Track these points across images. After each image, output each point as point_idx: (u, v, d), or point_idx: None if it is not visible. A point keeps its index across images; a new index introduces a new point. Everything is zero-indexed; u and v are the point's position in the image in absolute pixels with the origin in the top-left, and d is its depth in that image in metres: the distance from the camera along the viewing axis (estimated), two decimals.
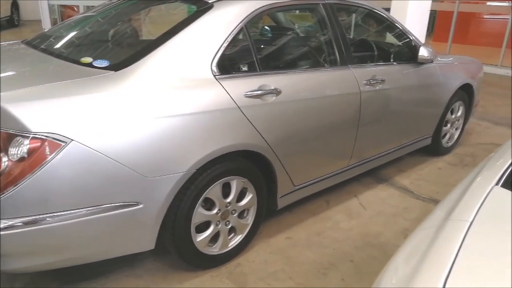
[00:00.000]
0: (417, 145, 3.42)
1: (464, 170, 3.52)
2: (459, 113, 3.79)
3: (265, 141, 2.08)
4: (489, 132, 4.59)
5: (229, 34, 2.01)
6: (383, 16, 2.96)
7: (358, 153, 2.78)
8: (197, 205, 1.93)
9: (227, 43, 1.99)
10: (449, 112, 3.59)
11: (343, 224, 2.62)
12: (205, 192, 1.94)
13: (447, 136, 3.78)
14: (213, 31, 1.98)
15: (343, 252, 2.33)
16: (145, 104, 1.71)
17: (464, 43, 9.53)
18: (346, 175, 2.81)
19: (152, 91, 1.74)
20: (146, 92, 1.73)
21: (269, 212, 2.38)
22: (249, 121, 1.99)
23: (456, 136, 3.91)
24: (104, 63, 1.81)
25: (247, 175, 2.11)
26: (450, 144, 3.86)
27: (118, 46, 2.16)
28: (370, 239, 2.47)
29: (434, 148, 3.66)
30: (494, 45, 8.66)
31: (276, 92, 2.10)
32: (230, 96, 1.93)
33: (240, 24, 2.05)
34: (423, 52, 2.98)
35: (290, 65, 2.33)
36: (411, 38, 3.07)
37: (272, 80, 2.11)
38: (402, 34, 3.06)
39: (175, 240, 1.93)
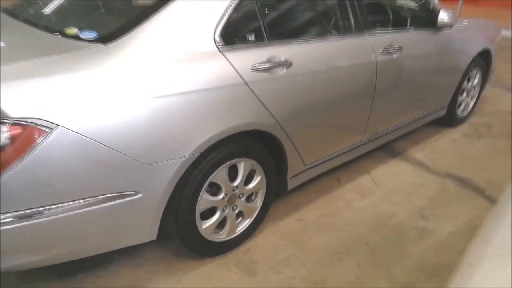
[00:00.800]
0: (432, 117, 3.23)
1: (479, 142, 3.35)
2: (475, 81, 3.58)
3: (275, 119, 1.89)
4: (503, 100, 4.38)
5: (232, 1, 1.77)
6: None
7: (372, 127, 2.59)
8: (202, 191, 1.77)
9: (232, 8, 1.76)
10: (465, 80, 3.37)
11: (355, 204, 2.47)
12: (210, 177, 1.77)
13: (462, 106, 3.58)
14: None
15: (357, 234, 2.19)
16: (140, 82, 1.51)
17: (475, 5, 9.11)
18: (359, 151, 2.63)
19: (147, 67, 1.53)
20: (141, 68, 1.52)
21: (277, 193, 2.22)
22: (257, 98, 1.79)
23: (471, 105, 3.71)
24: (92, 35, 1.59)
25: (255, 156, 1.93)
26: (464, 114, 3.67)
27: (107, 13, 1.92)
28: (385, 220, 2.32)
29: (449, 119, 3.47)
30: (505, 7, 8.28)
31: (287, 64, 1.88)
32: (236, 70, 1.72)
33: None
34: (443, 16, 2.73)
35: (301, 33, 2.10)
36: (430, 0, 2.81)
37: (282, 51, 1.90)
38: None
39: (178, 229, 1.78)
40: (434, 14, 2.76)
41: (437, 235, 2.20)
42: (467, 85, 3.47)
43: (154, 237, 1.72)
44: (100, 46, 1.54)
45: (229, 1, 1.75)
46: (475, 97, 3.72)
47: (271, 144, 2.01)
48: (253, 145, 1.92)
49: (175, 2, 1.65)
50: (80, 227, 1.52)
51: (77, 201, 1.46)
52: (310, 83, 2.02)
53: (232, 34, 1.77)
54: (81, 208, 1.47)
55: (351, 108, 2.36)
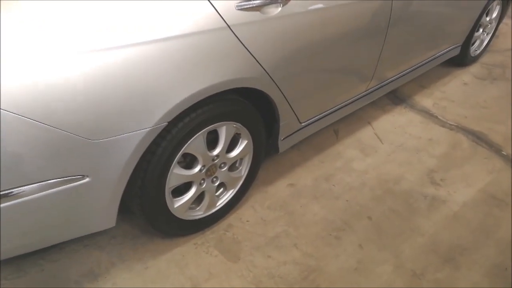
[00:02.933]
0: (445, 57, 2.81)
1: (493, 86, 2.97)
2: (494, 14, 3.10)
3: (266, 72, 1.47)
4: None
5: None
6: None
7: (380, 73, 2.18)
8: (172, 165, 1.39)
9: None
10: (484, 14, 2.90)
11: (356, 164, 2.14)
12: (183, 148, 1.39)
13: (476, 43, 3.14)
14: None
15: (358, 205, 1.89)
16: (83, 31, 1.05)
17: None
18: (363, 101, 2.24)
19: (92, 8, 1.07)
20: (83, 10, 1.06)
21: (267, 153, 1.86)
22: (244, 47, 1.35)
23: (485, 43, 3.27)
24: None
25: (240, 118, 1.54)
26: (478, 52, 3.25)
27: None
28: (390, 185, 2.01)
29: (460, 58, 3.06)
30: None
31: None
32: (216, 10, 1.25)
33: None
34: None
35: None
36: None
37: None
38: None
39: (144, 210, 1.44)
40: None
41: (450, 205, 1.91)
42: (485, 19, 3.01)
43: (113, 224, 1.37)
44: None
45: None
46: (491, 33, 3.27)
47: (259, 101, 1.61)
48: (238, 105, 1.51)
49: None
50: (24, 218, 1.16)
51: (17, 189, 1.08)
52: (311, 23, 1.57)
53: None
54: (22, 197, 1.10)
55: (359, 50, 1.92)
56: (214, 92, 1.34)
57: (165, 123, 1.25)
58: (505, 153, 2.27)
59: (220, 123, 1.47)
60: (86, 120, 1.09)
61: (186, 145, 1.39)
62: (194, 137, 1.40)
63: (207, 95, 1.32)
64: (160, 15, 1.15)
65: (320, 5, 1.58)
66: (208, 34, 1.25)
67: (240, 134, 1.60)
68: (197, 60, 1.25)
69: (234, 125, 1.53)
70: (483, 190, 2.01)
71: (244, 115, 1.55)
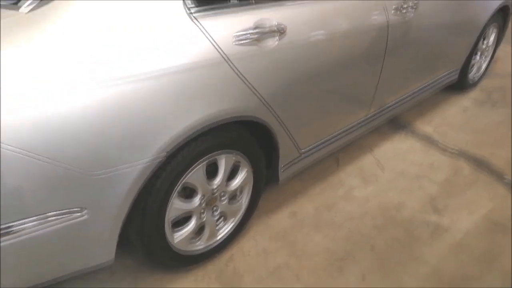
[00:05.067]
0: (444, 83, 2.83)
1: (493, 111, 2.98)
2: (491, 40, 3.16)
3: (265, 102, 1.49)
4: None
5: None
6: None
7: (379, 100, 2.20)
8: (172, 197, 1.39)
9: None
10: (481, 40, 2.95)
11: (357, 192, 2.13)
12: (182, 179, 1.39)
13: (475, 68, 3.18)
14: None
15: (360, 234, 1.87)
16: (80, 66, 1.07)
17: None
18: (364, 129, 2.25)
19: (89, 44, 1.09)
20: (81, 45, 1.08)
21: (267, 182, 1.86)
22: (242, 79, 1.37)
23: (484, 67, 3.31)
24: None
25: (240, 147, 1.55)
26: (476, 77, 3.28)
27: None
28: (392, 213, 1.99)
29: (459, 83, 3.08)
30: None
31: (280, 31, 1.45)
32: (214, 43, 1.28)
33: None
34: None
35: None
36: None
37: (273, 13, 1.45)
38: None
39: (144, 243, 1.43)
40: None
41: (453, 233, 1.88)
42: (482, 44, 3.06)
43: (111, 258, 1.36)
44: (20, 12, 1.08)
45: None
46: (489, 58, 3.31)
47: (259, 130, 1.62)
48: (237, 135, 1.52)
49: None
50: (21, 253, 1.15)
51: (16, 225, 1.08)
52: (308, 53, 1.59)
53: None
54: (20, 232, 1.10)
55: (357, 77, 1.95)
56: (213, 123, 1.35)
57: (164, 155, 1.25)
58: (507, 179, 2.26)
59: (220, 153, 1.48)
60: (85, 154, 1.10)
61: (185, 177, 1.39)
62: (194, 168, 1.40)
63: (206, 126, 1.33)
64: (158, 50, 1.18)
65: (316, 37, 1.61)
66: (206, 67, 1.28)
67: (239, 164, 1.61)
68: (195, 92, 1.27)
69: (234, 155, 1.54)
70: (486, 216, 1.99)
71: (243, 144, 1.56)
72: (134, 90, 1.14)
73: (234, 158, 1.55)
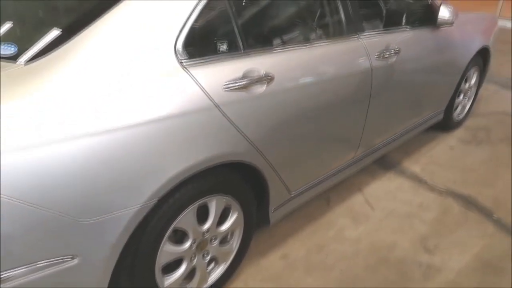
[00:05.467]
0: (429, 123, 2.92)
1: (479, 149, 3.06)
2: (473, 81, 3.28)
3: (254, 146, 1.53)
4: (498, 98, 4.13)
5: (198, 2, 1.38)
6: None
7: (367, 141, 2.25)
8: (163, 241, 1.39)
9: (198, 11, 1.37)
10: (463, 81, 3.07)
11: (348, 232, 2.14)
12: (173, 224, 1.40)
13: (459, 108, 3.28)
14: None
15: (352, 275, 1.86)
16: (73, 114, 1.11)
17: None
18: (353, 169, 2.29)
19: (83, 94, 1.13)
20: (74, 96, 1.12)
21: (258, 224, 1.87)
22: (232, 123, 1.42)
23: (467, 107, 3.42)
24: (10, 49, 1.18)
25: (230, 190, 1.57)
26: (461, 116, 3.38)
27: (35, 18, 1.50)
28: (384, 253, 2.00)
29: (444, 123, 3.17)
30: None
31: (268, 79, 1.51)
32: (204, 91, 1.34)
33: None
34: (444, 13, 2.39)
35: (285, 39, 1.72)
36: None
37: (261, 62, 1.52)
38: None
39: None
40: (433, 9, 2.42)
41: (445, 273, 1.89)
42: (464, 86, 3.18)
43: None
44: (19, 65, 1.13)
45: (194, 2, 1.36)
46: (472, 98, 3.43)
47: (248, 173, 1.65)
48: (228, 178, 1.55)
49: (121, 4, 1.25)
50: None
51: (5, 273, 1.07)
52: (295, 98, 1.66)
53: (199, 44, 1.38)
54: (9, 282, 1.09)
55: (343, 122, 2.01)
56: (204, 168, 1.38)
57: (156, 200, 1.27)
58: (496, 218, 2.29)
59: (211, 196, 1.50)
60: (75, 200, 1.12)
61: (176, 221, 1.40)
62: (185, 212, 1.42)
63: (195, 171, 1.36)
64: (150, 98, 1.22)
65: (303, 82, 1.68)
66: (197, 114, 1.32)
67: (230, 206, 1.62)
68: (186, 138, 1.30)
69: (224, 198, 1.56)
70: (477, 255, 2.00)
71: (234, 187, 1.58)
72: (125, 137, 1.17)
73: (225, 201, 1.57)
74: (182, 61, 1.31)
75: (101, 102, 1.14)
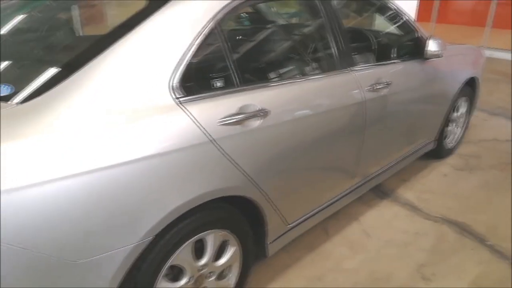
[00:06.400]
0: (422, 151, 2.97)
1: (471, 176, 3.10)
2: (463, 110, 3.36)
3: (250, 180, 1.55)
4: (488, 125, 4.20)
5: (195, 38, 1.44)
6: (383, 3, 2.44)
7: (362, 170, 2.29)
8: (159, 279, 1.39)
9: (193, 50, 1.43)
10: (453, 111, 3.15)
11: (347, 263, 2.14)
12: (169, 260, 1.40)
13: (450, 137, 3.34)
14: (172, 34, 1.40)
15: None
16: (67, 155, 1.12)
17: (447, 22, 9.14)
18: (349, 198, 2.32)
19: (76, 132, 1.16)
20: (67, 135, 1.14)
21: (256, 257, 1.87)
22: (228, 158, 1.45)
23: (458, 135, 3.48)
24: (5, 90, 1.22)
25: (227, 224, 1.58)
26: (453, 144, 3.43)
27: (29, 58, 1.55)
28: (382, 283, 2.00)
29: (437, 151, 3.22)
30: (478, 25, 8.31)
31: (263, 113, 1.56)
32: (200, 127, 1.37)
33: (210, 23, 1.49)
34: (432, 46, 2.48)
35: (279, 75, 1.79)
36: (417, 28, 2.57)
37: (256, 98, 1.57)
38: (405, 23, 2.55)
39: None
40: (422, 43, 2.51)
41: None
42: (454, 115, 3.25)
43: None
44: (13, 106, 1.16)
45: (190, 41, 1.42)
46: (463, 126, 3.50)
47: (245, 206, 1.66)
48: (224, 212, 1.57)
49: (117, 45, 1.30)
50: None
51: None
52: (291, 131, 1.70)
53: (194, 82, 1.43)
54: None
55: (339, 153, 2.05)
56: (200, 202, 1.40)
57: (152, 237, 1.28)
58: (489, 244, 2.30)
59: (208, 231, 1.51)
60: (69, 241, 1.12)
61: (173, 257, 1.41)
62: (181, 248, 1.42)
63: (192, 206, 1.37)
64: (146, 134, 1.25)
65: (298, 115, 1.73)
66: (192, 149, 1.35)
67: (227, 240, 1.63)
68: (182, 174, 1.33)
69: (222, 232, 1.57)
70: (473, 282, 2.01)
71: (231, 221, 1.59)
72: (120, 175, 1.19)
73: (222, 235, 1.58)
74: (178, 98, 1.36)
75: (95, 140, 1.16)
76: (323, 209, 2.12)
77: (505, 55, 7.51)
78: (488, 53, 7.45)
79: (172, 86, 1.35)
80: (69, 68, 1.24)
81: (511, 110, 4.60)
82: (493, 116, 4.46)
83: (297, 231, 1.99)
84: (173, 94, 1.35)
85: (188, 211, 1.38)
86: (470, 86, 3.29)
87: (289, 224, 1.90)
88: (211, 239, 1.54)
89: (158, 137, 1.27)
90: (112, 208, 1.18)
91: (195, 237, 1.46)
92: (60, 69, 1.27)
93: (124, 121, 1.23)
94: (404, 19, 2.52)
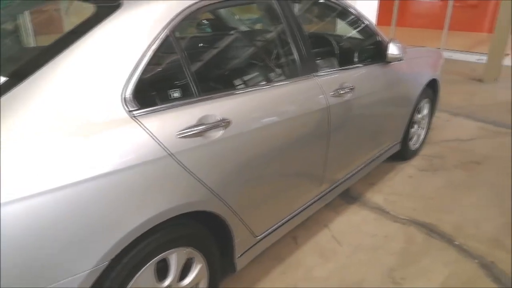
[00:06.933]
0: (388, 154, 2.99)
1: (436, 176, 3.15)
2: (425, 112, 3.42)
3: (214, 193, 1.49)
4: (451, 125, 4.30)
5: (149, 46, 1.36)
6: (345, 8, 2.43)
7: (329, 177, 2.27)
8: None
9: (147, 59, 1.35)
10: (416, 112, 3.19)
11: (317, 271, 2.10)
12: (130, 284, 1.31)
13: (414, 138, 3.39)
14: (123, 42, 1.32)
15: None
16: (12, 176, 1.03)
17: (407, 25, 9.42)
18: (318, 205, 2.29)
19: (22, 152, 1.07)
20: (11, 155, 1.05)
21: (224, 272, 1.80)
22: (189, 172, 1.38)
23: (422, 137, 3.54)
24: None
25: (192, 241, 1.51)
26: (417, 146, 3.49)
27: None
28: None
29: (402, 153, 3.26)
30: (435, 27, 8.60)
31: (224, 123, 1.50)
32: (157, 141, 1.30)
33: (165, 31, 1.41)
34: (392, 50, 2.50)
35: (241, 83, 1.73)
36: (378, 33, 2.58)
37: (217, 108, 1.51)
38: (367, 27, 2.56)
39: None
40: (383, 47, 2.53)
41: None
42: (417, 116, 3.30)
43: None
44: None
45: (143, 50, 1.34)
46: (426, 127, 3.56)
47: (210, 221, 1.59)
48: (188, 229, 1.49)
49: (64, 54, 1.21)
50: None
51: None
52: (254, 140, 1.65)
53: (150, 93, 1.36)
54: None
55: (305, 159, 2.01)
56: (161, 221, 1.32)
57: (107, 262, 1.19)
58: (457, 243, 2.33)
59: (170, 250, 1.43)
60: (15, 272, 1.02)
61: (132, 281, 1.32)
62: (142, 270, 1.34)
63: (153, 225, 1.29)
64: (99, 151, 1.17)
65: (261, 124, 1.67)
66: (150, 165, 1.27)
67: (193, 258, 1.56)
68: (139, 192, 1.25)
69: (186, 250, 1.49)
70: (443, 284, 2.01)
71: (195, 238, 1.52)
72: (70, 196, 1.10)
73: (186, 253, 1.50)
74: (132, 110, 1.28)
75: (43, 159, 1.08)
76: (291, 218, 2.08)
77: (462, 56, 7.79)
78: (446, 54, 7.73)
79: (125, 98, 1.27)
80: (8, 84, 1.14)
81: (471, 110, 4.75)
82: (454, 116, 4.58)
83: (266, 242, 1.93)
84: (126, 107, 1.26)
85: (149, 230, 1.30)
86: (431, 88, 3.35)
87: (257, 236, 1.84)
88: (175, 258, 1.46)
89: (111, 154, 1.19)
90: (61, 233, 1.09)
91: (157, 257, 1.38)
92: (7, 79, 1.17)
93: (73, 138, 1.14)
94: (365, 23, 2.53)
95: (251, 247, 1.83)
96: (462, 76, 6.47)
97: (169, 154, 1.32)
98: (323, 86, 2.02)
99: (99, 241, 1.16)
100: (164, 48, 1.42)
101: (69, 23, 1.81)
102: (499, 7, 5.75)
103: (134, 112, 1.28)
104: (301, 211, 2.14)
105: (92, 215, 1.14)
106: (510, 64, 6.63)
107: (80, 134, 1.15)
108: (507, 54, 6.27)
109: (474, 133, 4.05)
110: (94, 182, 1.14)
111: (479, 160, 3.42)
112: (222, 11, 2.30)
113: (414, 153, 3.47)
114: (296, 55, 1.94)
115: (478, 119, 4.45)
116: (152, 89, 1.38)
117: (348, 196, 2.82)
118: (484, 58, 6.48)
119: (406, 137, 3.20)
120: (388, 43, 2.51)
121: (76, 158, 1.12)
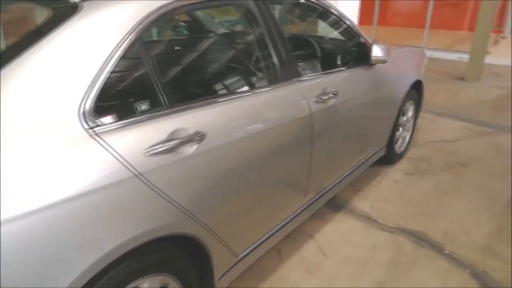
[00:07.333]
0: (373, 159, 2.90)
1: (423, 180, 3.07)
2: (410, 114, 3.34)
3: (188, 214, 1.36)
4: (435, 126, 4.25)
5: (112, 53, 1.22)
6: (326, 9, 2.33)
7: (314, 185, 2.16)
8: None
9: (110, 68, 1.21)
10: (400, 115, 3.11)
11: (303, 286, 1.98)
12: None
13: (400, 141, 3.32)
14: (82, 50, 1.18)
15: None
16: None
17: (388, 24, 9.42)
18: (303, 217, 2.18)
19: None
20: None
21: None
22: (159, 192, 1.25)
23: (407, 139, 3.47)
24: None
25: (165, 267, 1.37)
26: (402, 149, 3.41)
27: None
28: None
29: (387, 156, 3.17)
30: (417, 26, 8.61)
31: (199, 137, 1.37)
32: (121, 160, 1.16)
33: (131, 35, 1.28)
34: (376, 52, 2.40)
35: (215, 92, 1.60)
36: (361, 34, 2.49)
37: (190, 120, 1.38)
38: (349, 29, 2.46)
39: None
40: (367, 49, 2.43)
41: None
42: (402, 119, 3.22)
43: None
44: None
45: (104, 59, 1.20)
46: (410, 130, 3.49)
47: (185, 242, 1.46)
48: (161, 254, 1.36)
49: (14, 64, 1.07)
50: None
51: None
52: (232, 153, 1.52)
53: (112, 106, 1.22)
54: None
55: (287, 169, 1.90)
56: (131, 248, 1.18)
57: None
58: (447, 252, 2.24)
59: (142, 279, 1.29)
60: None
61: None
62: None
63: (122, 253, 1.16)
64: (57, 176, 1.03)
65: (239, 135, 1.55)
66: (114, 188, 1.14)
67: (168, 284, 1.42)
68: (104, 217, 1.12)
69: (159, 278, 1.36)
70: None
71: (169, 263, 1.39)
72: (23, 227, 0.96)
73: (159, 280, 1.37)
74: (92, 127, 1.14)
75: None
76: (275, 232, 1.96)
77: (443, 55, 7.80)
78: (428, 53, 7.72)
79: (84, 113, 1.13)
80: None
81: (454, 109, 4.71)
82: (438, 116, 4.53)
83: (248, 260, 1.81)
84: (84, 124, 1.13)
85: (116, 260, 1.16)
86: (415, 89, 3.28)
87: (238, 255, 1.72)
88: (147, 286, 1.32)
89: (68, 177, 1.05)
90: (21, 263, 0.96)
91: (127, 286, 1.24)
92: None
93: (19, 163, 0.99)
94: (348, 24, 2.43)
95: (232, 267, 1.70)
96: (444, 75, 6.45)
97: (135, 174, 1.18)
98: (305, 92, 1.91)
99: (58, 275, 1.02)
100: (131, 55, 1.29)
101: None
102: (480, 6, 5.74)
103: (95, 129, 1.14)
104: (286, 224, 2.03)
105: (48, 247, 1.00)
106: (491, 62, 6.65)
107: (27, 157, 1.01)
108: (489, 53, 6.29)
109: (458, 134, 4.00)
110: (48, 212, 1.00)
111: (465, 161, 3.37)
112: (196, 14, 2.16)
113: (400, 156, 3.40)
114: (276, 60, 1.83)
115: (461, 119, 4.41)
116: (116, 101, 1.24)
117: (334, 204, 2.72)
118: (465, 56, 6.48)
119: (392, 141, 3.11)
120: (371, 44, 2.41)
121: (24, 186, 0.98)
